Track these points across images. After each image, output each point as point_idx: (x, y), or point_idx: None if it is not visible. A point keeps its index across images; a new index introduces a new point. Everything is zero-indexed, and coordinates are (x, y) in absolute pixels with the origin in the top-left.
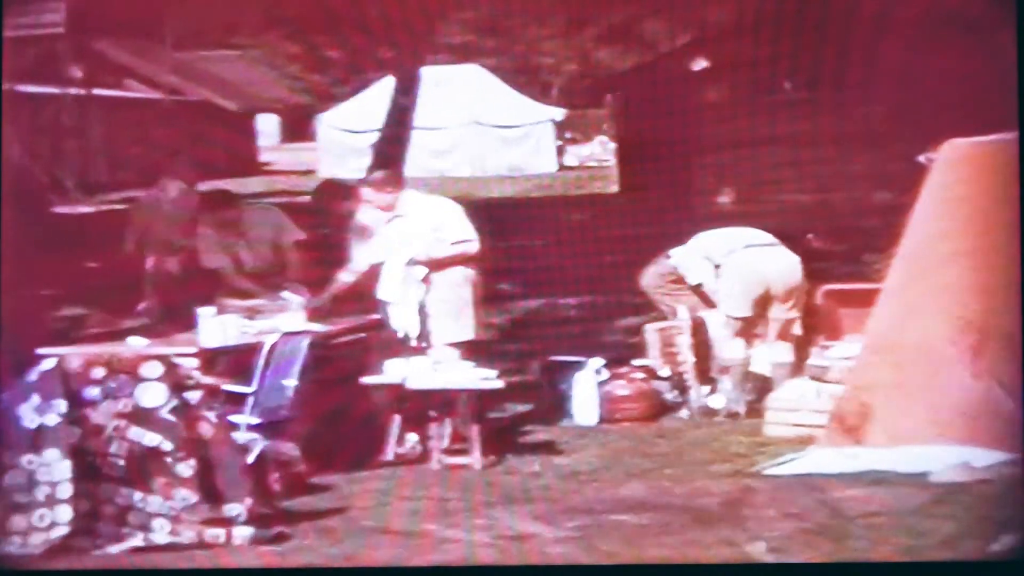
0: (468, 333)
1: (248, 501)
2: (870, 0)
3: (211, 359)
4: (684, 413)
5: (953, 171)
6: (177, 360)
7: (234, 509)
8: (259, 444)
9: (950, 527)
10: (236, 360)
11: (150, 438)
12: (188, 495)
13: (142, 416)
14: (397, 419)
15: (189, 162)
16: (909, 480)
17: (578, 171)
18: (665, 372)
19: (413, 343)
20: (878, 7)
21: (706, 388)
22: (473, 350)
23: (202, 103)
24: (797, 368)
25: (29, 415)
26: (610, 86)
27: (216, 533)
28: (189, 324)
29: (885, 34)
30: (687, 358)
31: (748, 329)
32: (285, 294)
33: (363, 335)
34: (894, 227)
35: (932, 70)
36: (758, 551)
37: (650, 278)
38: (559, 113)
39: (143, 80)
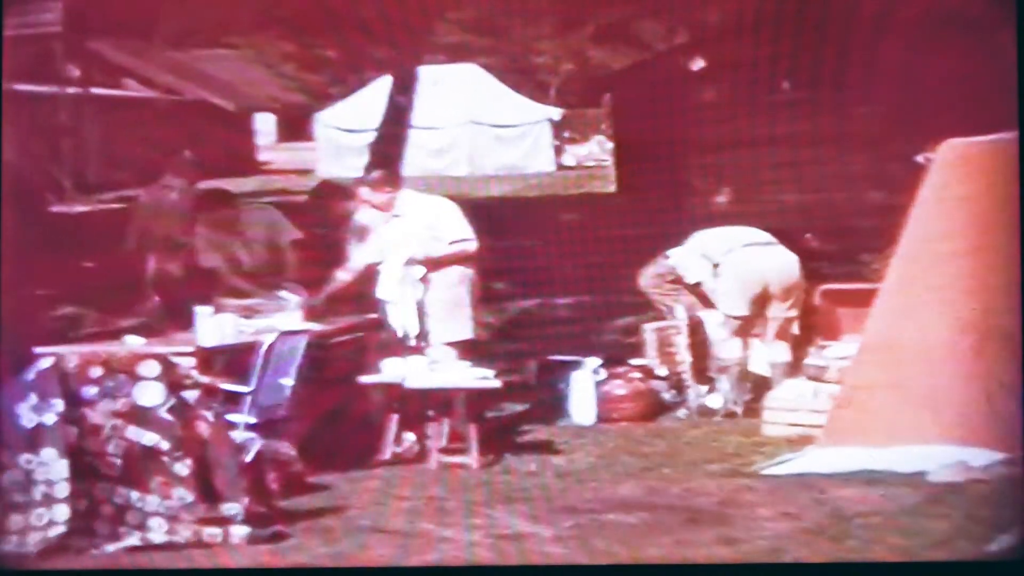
0: (466, 332)
1: (245, 500)
2: (870, 0)
3: (209, 358)
4: (682, 413)
5: (951, 171)
6: (175, 359)
7: (231, 508)
8: (256, 443)
9: (946, 527)
10: (234, 359)
11: (148, 437)
12: (185, 494)
13: (140, 415)
14: (395, 418)
15: (191, 160)
16: (905, 480)
17: (576, 171)
18: (663, 372)
19: (412, 342)
20: (878, 7)
21: (704, 388)
22: (471, 349)
23: (199, 102)
24: (795, 368)
25: (27, 414)
26: (608, 86)
27: (213, 532)
28: (190, 323)
29: (885, 34)
30: (685, 358)
31: (746, 328)
32: (283, 293)
33: (361, 334)
34: (892, 227)
35: (932, 70)
36: None
37: (648, 278)
38: (557, 113)
39: (140, 79)
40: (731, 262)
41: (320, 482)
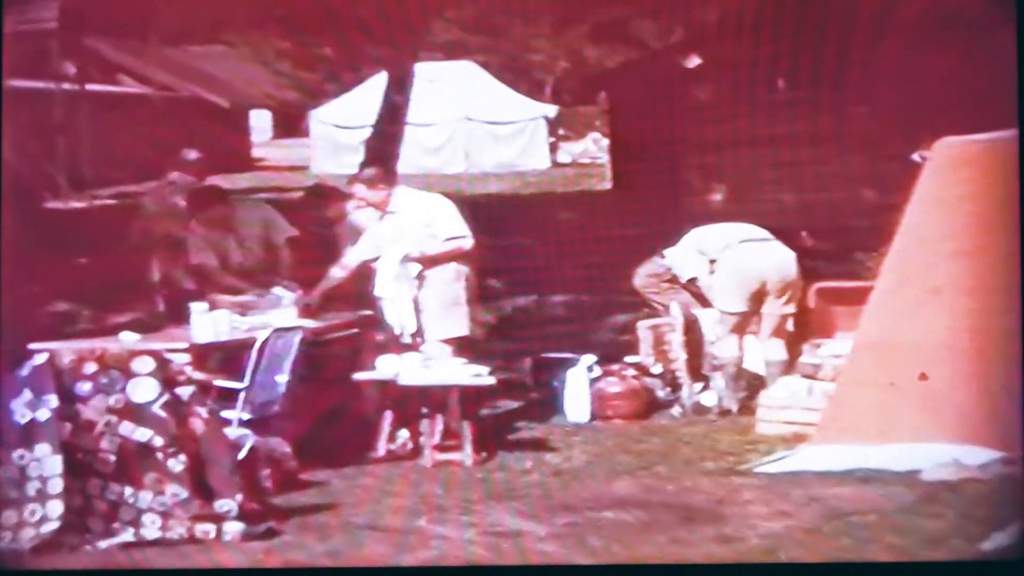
0: (461, 330)
1: (239, 497)
2: (869, 0)
3: (203, 355)
4: (676, 411)
5: (946, 169)
6: (169, 356)
7: (225, 505)
8: (250, 440)
9: (940, 525)
10: (228, 356)
11: (141, 433)
12: (179, 490)
13: (134, 411)
14: (389, 415)
15: (197, 158)
16: (900, 478)
17: (571, 168)
18: (657, 369)
19: (407, 339)
20: (877, 6)
21: (698, 385)
22: (465, 347)
23: (194, 99)
24: (789, 366)
25: (21, 410)
26: (604, 83)
27: (207, 529)
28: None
29: (884, 34)
30: (679, 355)
31: (742, 325)
32: (277, 290)
33: (355, 331)
34: (887, 225)
35: (931, 70)
36: None
37: (643, 278)
38: (552, 110)
39: (135, 76)
40: (728, 258)
41: (314, 479)
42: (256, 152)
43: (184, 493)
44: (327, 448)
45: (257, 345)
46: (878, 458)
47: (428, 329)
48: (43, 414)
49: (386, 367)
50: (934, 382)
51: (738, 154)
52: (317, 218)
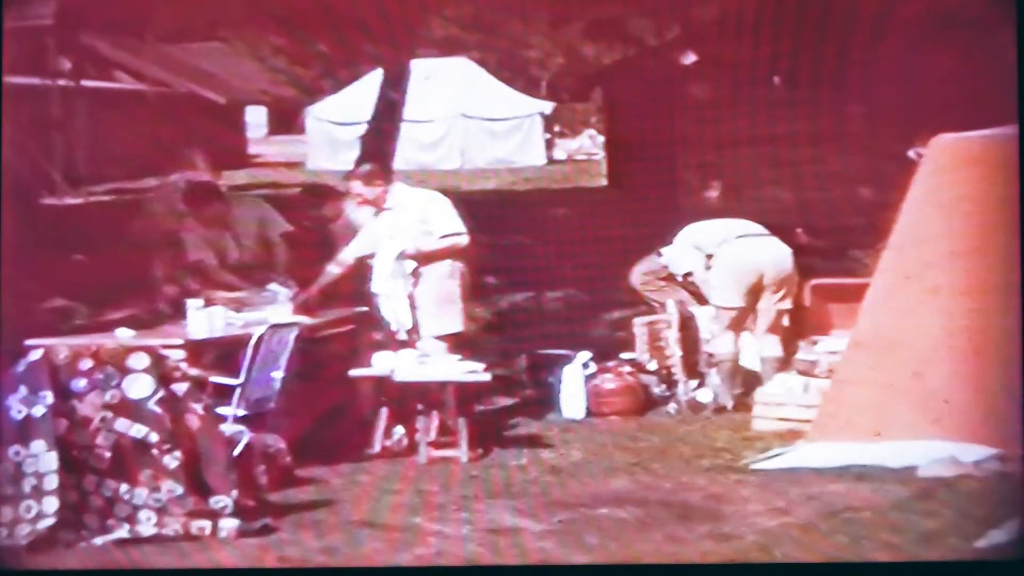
0: (456, 326)
1: (234, 493)
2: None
3: (198, 351)
4: (672, 407)
5: (942, 166)
6: (164, 352)
7: (220, 501)
8: (246, 436)
9: (936, 523)
10: (223, 352)
11: (137, 429)
12: (175, 487)
13: (129, 408)
14: (385, 412)
15: (207, 156)
16: (895, 475)
17: (566, 165)
18: (653, 366)
19: (403, 336)
20: (877, 6)
21: (694, 382)
22: (461, 343)
23: (190, 96)
24: (785, 363)
25: (16, 406)
26: (599, 80)
27: (202, 525)
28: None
29: (884, 33)
30: (675, 352)
31: (739, 321)
32: (273, 286)
33: (351, 327)
34: (883, 223)
35: (931, 69)
36: None
37: (640, 275)
38: (548, 106)
39: (131, 73)
40: (725, 253)
41: (310, 475)
42: (252, 149)
43: (180, 489)
44: (323, 445)
45: (253, 341)
46: (874, 455)
47: (423, 326)
48: (39, 410)
49: (382, 363)
50: (930, 379)
51: (735, 152)
52: (313, 215)
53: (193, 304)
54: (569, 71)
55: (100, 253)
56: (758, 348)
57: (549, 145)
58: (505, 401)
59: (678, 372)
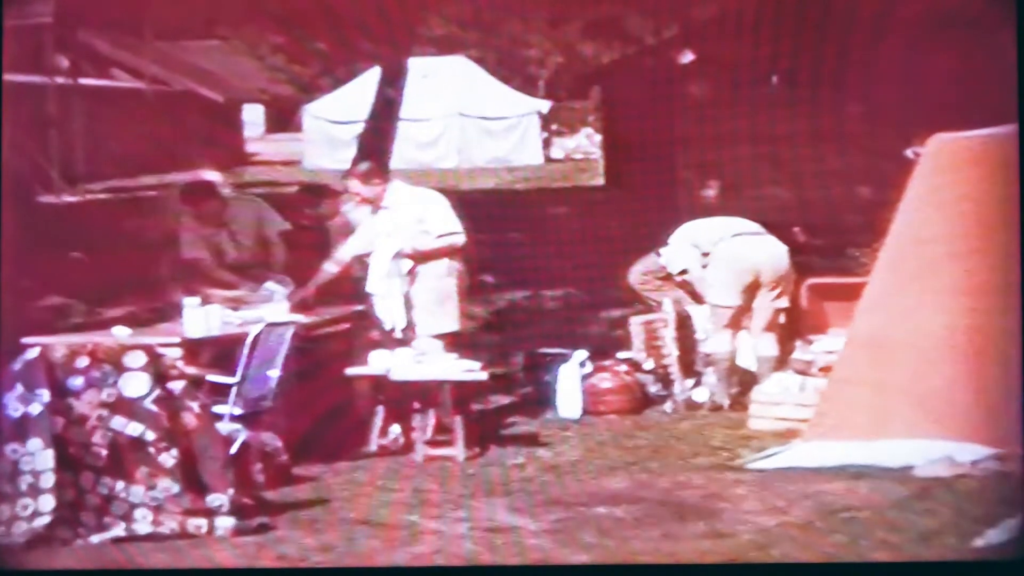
0: (452, 325)
1: (231, 491)
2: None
3: (195, 349)
4: (668, 406)
5: (940, 165)
6: (161, 350)
7: (217, 499)
8: (242, 434)
9: (933, 522)
10: (220, 350)
11: (133, 428)
12: (171, 485)
13: (126, 406)
14: (380, 410)
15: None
16: (892, 474)
17: (564, 164)
18: (649, 365)
19: (399, 335)
20: (877, 6)
21: (690, 381)
22: (457, 342)
23: (188, 94)
24: (782, 362)
25: (13, 404)
26: (597, 79)
27: (198, 523)
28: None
29: (883, 33)
30: (671, 351)
31: (735, 320)
32: (269, 285)
33: (347, 326)
34: (881, 222)
35: (930, 69)
36: None
37: (638, 275)
38: (545, 105)
39: (129, 71)
40: (721, 251)
41: (307, 474)
42: (249, 147)
43: (176, 487)
44: (320, 443)
45: (249, 340)
46: (871, 454)
47: (420, 325)
48: (35, 408)
49: (379, 362)
50: (928, 379)
51: (734, 152)
52: (311, 213)
53: (190, 303)
54: (567, 70)
55: (97, 251)
56: (754, 347)
57: (547, 144)
58: (502, 400)
59: (675, 371)
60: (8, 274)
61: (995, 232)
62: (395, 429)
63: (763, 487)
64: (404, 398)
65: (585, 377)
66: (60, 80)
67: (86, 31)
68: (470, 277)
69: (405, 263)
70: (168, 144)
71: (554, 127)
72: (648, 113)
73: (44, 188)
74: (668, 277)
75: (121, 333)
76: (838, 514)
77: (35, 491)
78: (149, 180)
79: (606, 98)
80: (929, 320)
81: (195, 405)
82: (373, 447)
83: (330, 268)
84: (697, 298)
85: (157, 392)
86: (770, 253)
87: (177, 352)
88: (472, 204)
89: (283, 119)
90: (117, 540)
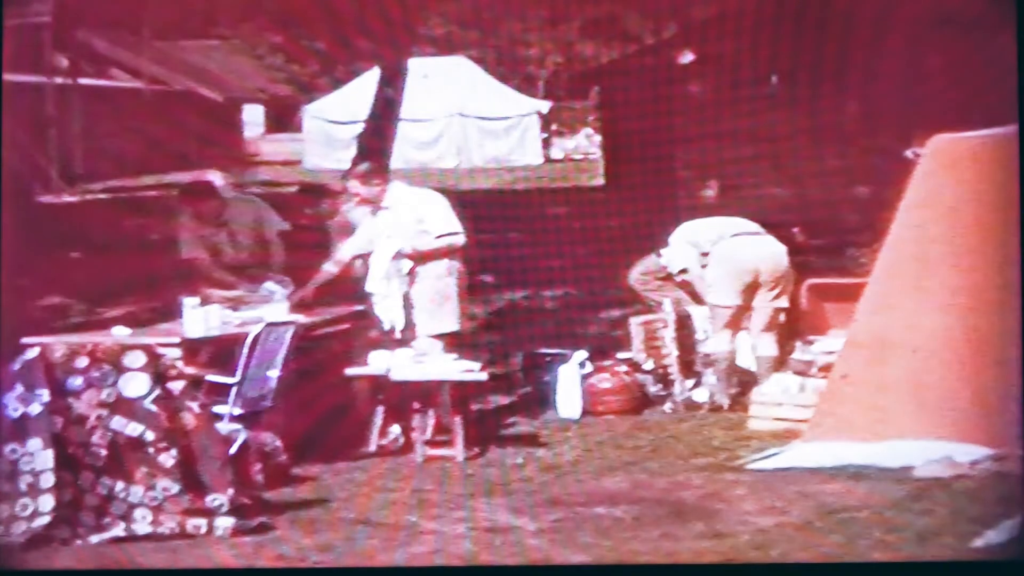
0: (452, 325)
1: (230, 491)
2: None
3: (194, 349)
4: (667, 407)
5: (940, 166)
6: (161, 350)
7: (216, 499)
8: (242, 434)
9: (931, 522)
10: (219, 350)
11: (133, 428)
12: (170, 485)
13: (125, 406)
14: (380, 410)
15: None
16: (891, 475)
17: (564, 164)
18: (649, 365)
19: (398, 335)
20: (877, 6)
21: (690, 382)
22: (457, 342)
23: (188, 93)
24: (781, 362)
25: (12, 404)
26: (597, 78)
27: (198, 523)
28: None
29: (884, 33)
30: (671, 351)
31: (735, 320)
32: (269, 285)
33: (347, 326)
34: (881, 222)
35: (930, 69)
36: None
37: (638, 275)
38: (545, 105)
39: (129, 70)
40: (720, 251)
41: (306, 474)
42: (249, 147)
43: (176, 487)
44: (319, 443)
45: (249, 340)
46: (870, 455)
47: (419, 325)
48: (35, 408)
49: (378, 362)
50: (927, 379)
51: (734, 151)
52: (310, 213)
53: (189, 303)
54: (567, 70)
55: (97, 251)
56: (753, 347)
57: (546, 144)
58: (501, 400)
59: (674, 371)
60: (7, 274)
61: (995, 232)
62: (395, 429)
63: (762, 487)
64: (404, 398)
65: (585, 377)
66: (59, 79)
67: (85, 30)
68: (470, 277)
69: (405, 263)
70: (167, 144)
71: (554, 127)
72: (648, 113)
73: (43, 187)
74: (668, 277)
75: (121, 333)
76: (837, 514)
77: (35, 491)
78: (148, 180)
79: (606, 98)
80: (929, 320)
81: (195, 405)
82: (373, 447)
83: (330, 268)
84: (697, 298)
85: (157, 392)
86: (769, 253)
87: (177, 352)
88: (472, 204)
89: (283, 119)
90: (117, 540)
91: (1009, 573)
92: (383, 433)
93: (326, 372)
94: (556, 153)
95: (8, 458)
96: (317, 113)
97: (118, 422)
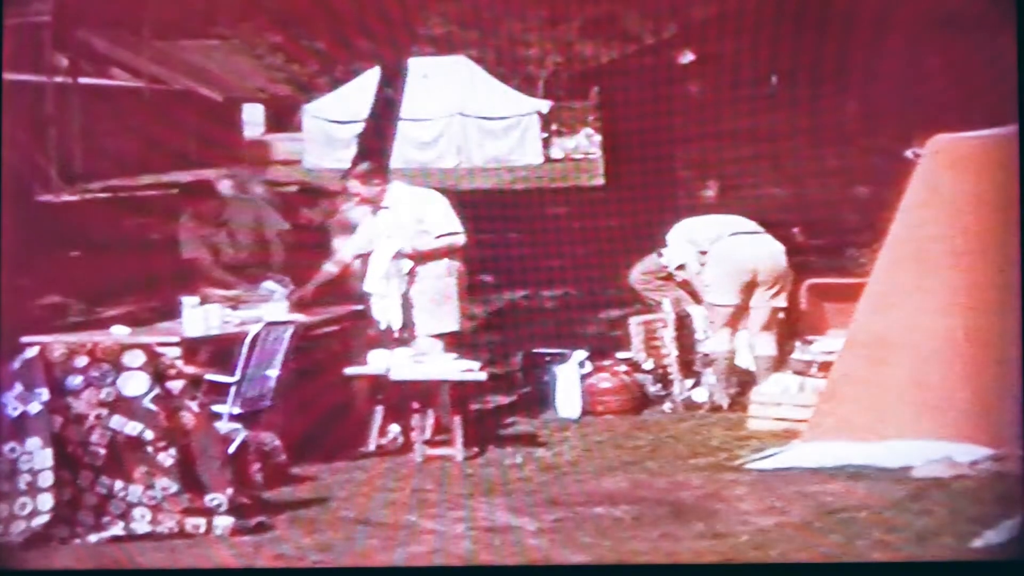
0: (451, 325)
1: (229, 491)
2: None
3: (194, 348)
4: (667, 406)
5: (940, 165)
6: (160, 349)
7: (215, 499)
8: (241, 434)
9: (930, 522)
10: (219, 350)
11: (132, 427)
12: (169, 484)
13: (124, 405)
14: (379, 410)
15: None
16: (891, 475)
17: (564, 163)
18: (648, 365)
19: (396, 334)
20: (877, 6)
21: (689, 381)
22: (456, 341)
23: (187, 93)
24: (780, 362)
25: (11, 403)
26: (597, 78)
27: (196, 522)
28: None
29: (884, 33)
30: (671, 351)
31: (733, 319)
32: (268, 284)
33: (347, 326)
34: (881, 222)
35: (931, 69)
36: None
37: (639, 275)
38: (545, 105)
39: (128, 70)
40: (719, 250)
41: (305, 473)
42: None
43: (175, 487)
44: (318, 443)
45: (248, 339)
46: (870, 454)
47: (419, 324)
48: (34, 407)
49: (378, 362)
50: (926, 378)
51: (734, 151)
52: (309, 213)
53: (189, 302)
54: (567, 70)
55: (96, 250)
56: (752, 345)
57: (546, 144)
58: (501, 400)
59: (674, 371)
60: (7, 273)
61: (995, 232)
62: (394, 429)
63: (762, 487)
64: (403, 398)
65: (584, 377)
66: (59, 79)
67: (85, 30)
68: (470, 277)
69: (405, 263)
70: (166, 143)
71: (554, 127)
72: (648, 113)
73: (43, 187)
74: (669, 277)
75: (120, 332)
76: (836, 514)
77: (34, 490)
78: (148, 179)
79: (606, 98)
80: (928, 320)
81: (194, 404)
82: (372, 447)
83: (330, 268)
84: (698, 298)
85: (156, 391)
86: (767, 252)
87: (176, 351)
88: (472, 204)
89: (283, 119)
90: (115, 539)
91: (1009, 573)
92: (382, 433)
93: (325, 371)
94: (556, 153)
95: (7, 457)
96: (317, 112)
97: (117, 421)
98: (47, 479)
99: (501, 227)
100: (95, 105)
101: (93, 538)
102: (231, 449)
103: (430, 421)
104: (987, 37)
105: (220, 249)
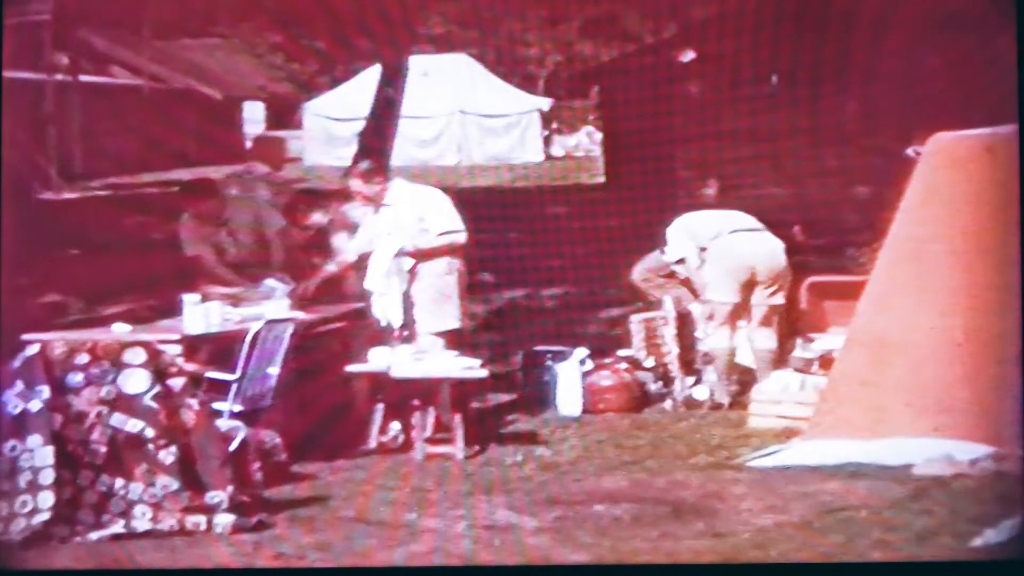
0: (453, 322)
1: (230, 489)
2: None
3: (194, 346)
4: (668, 404)
5: (940, 164)
6: (161, 347)
7: (216, 497)
8: (241, 432)
9: (930, 521)
10: (220, 347)
11: (132, 424)
12: (170, 482)
13: (125, 403)
14: (380, 408)
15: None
16: (891, 473)
17: (564, 161)
18: (649, 363)
19: (397, 332)
20: (877, 6)
21: (690, 379)
22: (457, 339)
23: (187, 91)
24: (780, 359)
25: (12, 401)
26: (597, 77)
27: (197, 520)
28: None
29: (884, 33)
30: (671, 349)
31: (733, 317)
32: (269, 282)
33: (348, 324)
34: (881, 221)
35: (931, 69)
36: None
37: (641, 272)
38: (546, 103)
39: (129, 68)
40: (718, 247)
41: (306, 472)
42: (249, 144)
43: (175, 485)
44: (319, 441)
45: (249, 337)
46: (870, 453)
47: (420, 323)
48: (35, 405)
49: (379, 360)
50: (927, 377)
51: (734, 151)
52: (311, 211)
53: (190, 299)
54: (567, 69)
55: (97, 248)
56: (751, 342)
57: (547, 142)
58: (502, 398)
59: (675, 369)
60: (7, 271)
61: (995, 232)
62: (395, 427)
63: (762, 486)
64: (404, 396)
65: (585, 375)
66: (59, 77)
67: (85, 29)
68: (471, 275)
69: (406, 261)
70: (166, 142)
71: (554, 125)
72: (649, 112)
73: (43, 185)
74: (671, 275)
75: (121, 330)
76: (836, 513)
77: (34, 488)
78: (148, 178)
79: (606, 98)
80: (928, 319)
81: (194, 402)
82: (373, 445)
83: (331, 267)
84: (699, 295)
85: (157, 389)
86: (767, 250)
87: (177, 349)
88: (472, 202)
89: (283, 117)
90: (116, 537)
91: (1009, 573)
92: (383, 431)
93: (326, 370)
94: (557, 151)
95: (8, 455)
96: (318, 111)
97: (118, 419)
98: (48, 477)
99: (502, 226)
100: (95, 104)
101: (94, 536)
102: (232, 447)
103: (431, 419)
104: (987, 37)
105: (223, 247)
